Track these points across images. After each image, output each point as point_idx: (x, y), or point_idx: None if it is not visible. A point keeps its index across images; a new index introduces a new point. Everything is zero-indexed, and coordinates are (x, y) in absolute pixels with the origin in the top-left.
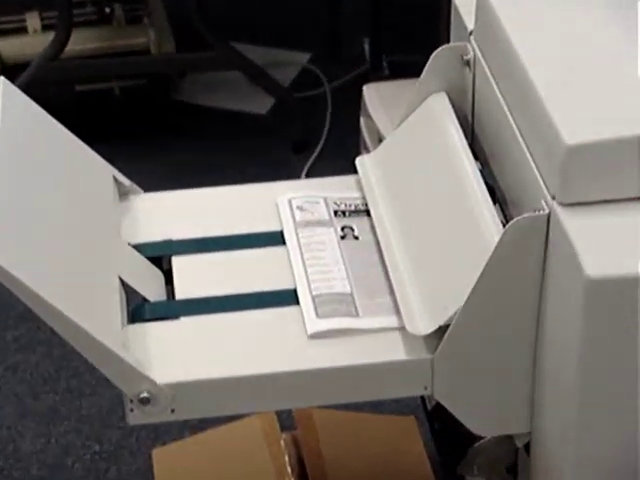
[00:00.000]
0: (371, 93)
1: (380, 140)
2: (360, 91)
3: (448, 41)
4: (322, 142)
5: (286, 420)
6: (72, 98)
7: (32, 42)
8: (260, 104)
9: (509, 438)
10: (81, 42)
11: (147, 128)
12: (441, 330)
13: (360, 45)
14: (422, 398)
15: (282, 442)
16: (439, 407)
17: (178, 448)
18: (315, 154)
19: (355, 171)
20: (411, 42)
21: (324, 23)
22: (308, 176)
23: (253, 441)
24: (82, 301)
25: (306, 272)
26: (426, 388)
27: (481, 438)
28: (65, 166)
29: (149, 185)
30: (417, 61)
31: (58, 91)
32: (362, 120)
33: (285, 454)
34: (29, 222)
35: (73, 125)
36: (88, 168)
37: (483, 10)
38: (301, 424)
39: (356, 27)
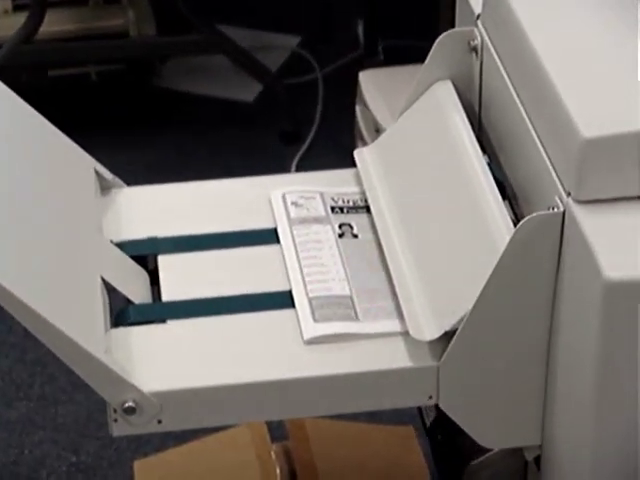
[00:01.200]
0: (367, 80)
1: (377, 130)
2: (354, 77)
3: (450, 25)
4: (313, 132)
5: (277, 430)
6: (45, 84)
7: (2, 24)
8: (247, 91)
9: (518, 451)
10: (55, 24)
11: (126, 116)
12: (447, 336)
13: (354, 28)
14: (419, 411)
15: (273, 453)
16: (440, 419)
17: (161, 459)
18: (306, 145)
19: (350, 164)
20: (408, 26)
21: (315, 4)
22: (298, 169)
23: (242, 452)
24: (62, 303)
25: (302, 273)
26: (431, 397)
27: (487, 451)
28: (42, 157)
29: (127, 178)
30: (415, 46)
31: (29, 76)
32: (358, 109)
33: (276, 466)
34: (6, 219)
35: (46, 113)
36: (67, 160)
37: None
38: (293, 434)
39: (349, 9)
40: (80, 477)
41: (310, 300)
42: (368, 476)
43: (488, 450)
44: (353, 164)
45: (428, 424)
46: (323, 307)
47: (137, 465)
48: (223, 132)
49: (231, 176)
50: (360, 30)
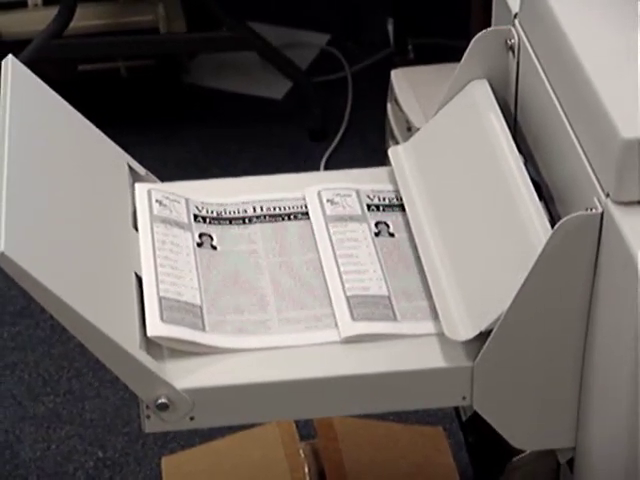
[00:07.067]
0: (400, 78)
1: (409, 129)
2: (383, 76)
3: (482, 24)
4: (342, 130)
5: (305, 428)
6: (74, 79)
7: (32, 17)
8: (276, 88)
9: (551, 453)
10: (85, 18)
11: (154, 112)
12: (482, 336)
13: (383, 26)
14: (456, 408)
15: (301, 452)
16: (474, 418)
17: (189, 456)
18: (335, 143)
19: (379, 161)
20: (439, 24)
21: (345, 2)
22: (327, 166)
23: (270, 450)
24: (96, 298)
25: (339, 271)
26: (464, 398)
27: (520, 452)
28: (78, 152)
29: (155, 173)
30: (445, 45)
31: (59, 71)
32: (389, 107)
33: (305, 465)
34: (42, 213)
35: (74, 108)
36: (102, 155)
37: None
38: (322, 433)
39: (379, 6)
40: (106, 472)
41: (348, 298)
42: (396, 476)
43: (521, 451)
44: (382, 162)
45: (464, 420)
46: (361, 306)
47: (165, 461)
48: (252, 129)
49: (259, 174)
50: (390, 28)
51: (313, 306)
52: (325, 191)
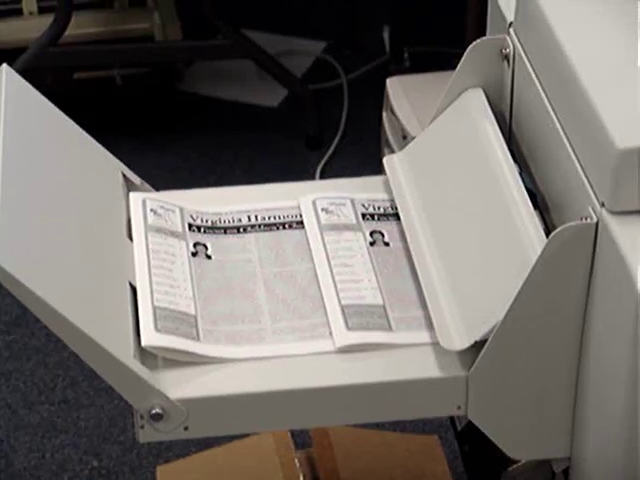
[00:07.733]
0: (395, 86)
1: (404, 137)
2: (379, 83)
3: (477, 32)
4: (338, 138)
5: (299, 437)
6: (69, 87)
7: (28, 25)
8: (271, 96)
9: (546, 463)
10: (80, 26)
11: (150, 120)
12: (477, 346)
13: (379, 34)
14: (451, 417)
15: (296, 461)
16: (469, 428)
17: (184, 465)
18: (330, 151)
19: (375, 169)
20: (434, 32)
21: (341, 10)
22: (323, 174)
23: (265, 459)
24: (90, 308)
25: (334, 280)
26: (459, 408)
27: (515, 462)
28: (72, 161)
29: (150, 182)
30: (441, 53)
31: (54, 79)
32: (384, 115)
33: (300, 474)
34: (36, 222)
35: (70, 116)
36: (96, 163)
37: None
38: (317, 442)
39: (375, 14)
40: None
41: (343, 308)
42: None
43: (516, 460)
44: (378, 170)
45: (459, 429)
46: (356, 315)
47: (160, 470)
48: (247, 137)
49: (255, 182)
50: (386, 36)
51: (308, 316)
52: (320, 200)
